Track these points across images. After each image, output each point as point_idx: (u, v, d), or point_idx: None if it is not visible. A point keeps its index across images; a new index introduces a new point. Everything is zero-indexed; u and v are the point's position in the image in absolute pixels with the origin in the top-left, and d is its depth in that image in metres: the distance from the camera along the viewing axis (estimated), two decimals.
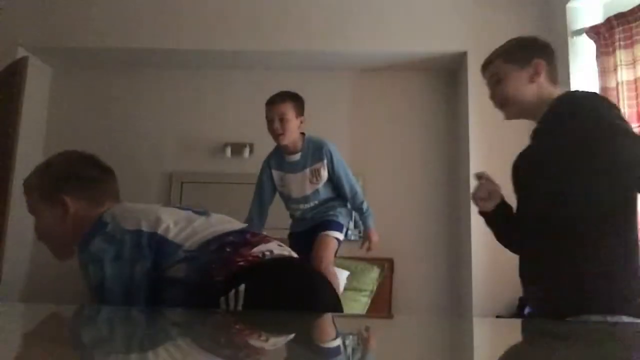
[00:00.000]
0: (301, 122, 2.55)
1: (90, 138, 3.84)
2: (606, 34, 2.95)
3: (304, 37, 3.56)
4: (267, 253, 1.38)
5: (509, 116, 1.70)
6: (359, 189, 2.64)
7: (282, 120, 2.49)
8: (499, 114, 3.28)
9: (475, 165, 3.33)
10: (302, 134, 2.59)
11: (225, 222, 1.46)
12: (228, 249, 1.35)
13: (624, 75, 2.82)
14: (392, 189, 3.67)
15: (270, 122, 2.53)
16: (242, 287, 1.26)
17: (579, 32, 3.14)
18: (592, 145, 1.39)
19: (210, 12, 3.59)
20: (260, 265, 1.34)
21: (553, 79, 1.65)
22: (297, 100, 2.57)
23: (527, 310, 2.85)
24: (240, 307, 1.24)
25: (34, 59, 3.59)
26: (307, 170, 2.55)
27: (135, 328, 0.99)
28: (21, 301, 3.51)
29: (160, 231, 1.34)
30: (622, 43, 2.85)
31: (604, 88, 2.91)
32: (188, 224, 1.38)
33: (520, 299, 2.98)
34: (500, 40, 3.66)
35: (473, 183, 3.36)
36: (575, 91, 1.69)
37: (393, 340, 0.89)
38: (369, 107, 3.82)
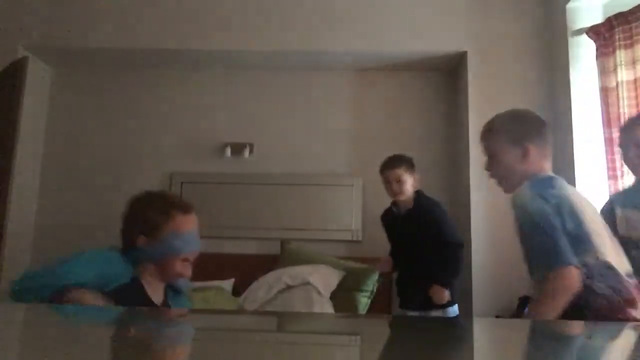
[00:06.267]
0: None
1: (90, 138, 3.85)
2: (606, 34, 2.95)
3: (304, 37, 3.56)
4: None
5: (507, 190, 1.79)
6: None
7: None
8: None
9: (475, 165, 3.33)
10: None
11: None
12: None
13: (624, 75, 2.82)
14: None
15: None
16: None
17: (579, 32, 3.14)
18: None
19: (211, 12, 3.59)
20: None
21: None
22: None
23: (526, 310, 2.85)
24: None
25: (34, 59, 3.60)
26: None
27: (136, 327, 0.99)
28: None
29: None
30: (622, 43, 2.85)
31: (604, 88, 2.91)
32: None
33: (520, 299, 2.98)
34: (500, 40, 3.65)
35: (473, 183, 3.38)
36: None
37: (393, 341, 0.89)
38: (369, 107, 3.82)
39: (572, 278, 1.51)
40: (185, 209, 1.68)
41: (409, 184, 2.74)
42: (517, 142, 1.72)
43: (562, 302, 1.51)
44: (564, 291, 1.51)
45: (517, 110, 1.85)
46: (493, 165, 1.78)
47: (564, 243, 1.54)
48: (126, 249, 1.63)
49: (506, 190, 1.76)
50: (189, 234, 1.66)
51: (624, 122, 2.34)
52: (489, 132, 1.80)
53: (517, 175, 1.71)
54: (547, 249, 1.55)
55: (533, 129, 1.76)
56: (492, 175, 1.80)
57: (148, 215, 1.63)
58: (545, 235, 1.55)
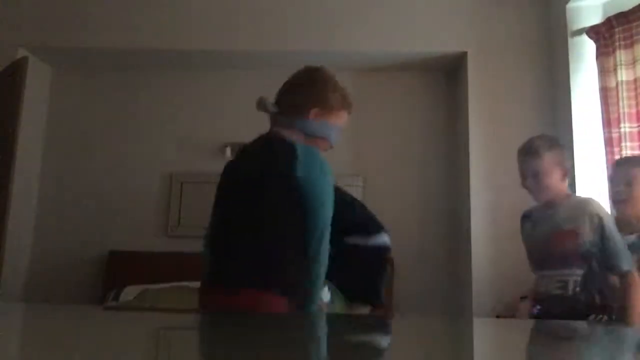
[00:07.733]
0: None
1: (90, 138, 3.85)
2: (606, 34, 2.95)
3: (304, 37, 3.56)
4: None
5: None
6: None
7: None
8: (498, 114, 3.29)
9: (475, 165, 3.33)
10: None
11: None
12: None
13: (624, 75, 2.82)
14: (392, 189, 3.67)
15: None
16: None
17: (579, 32, 3.14)
18: None
19: (210, 12, 3.59)
20: None
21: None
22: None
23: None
24: None
25: (34, 59, 3.59)
26: None
27: (135, 328, 0.99)
28: (21, 301, 3.51)
29: None
30: (622, 43, 2.86)
31: (603, 88, 2.91)
32: None
33: (521, 299, 2.98)
34: (500, 41, 3.65)
35: (473, 183, 3.37)
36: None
37: (393, 340, 0.89)
38: (369, 107, 3.82)
39: None
40: (350, 108, 1.80)
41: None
42: (559, 165, 2.11)
43: None
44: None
45: (553, 136, 2.29)
46: (535, 183, 2.12)
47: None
48: (294, 115, 1.70)
49: (537, 198, 2.17)
50: (341, 129, 1.78)
51: (617, 160, 2.57)
52: (534, 154, 2.11)
53: (555, 190, 2.11)
54: (621, 250, 2.00)
55: (568, 155, 2.21)
56: (530, 188, 2.16)
57: (328, 94, 1.73)
58: (618, 239, 2.02)
